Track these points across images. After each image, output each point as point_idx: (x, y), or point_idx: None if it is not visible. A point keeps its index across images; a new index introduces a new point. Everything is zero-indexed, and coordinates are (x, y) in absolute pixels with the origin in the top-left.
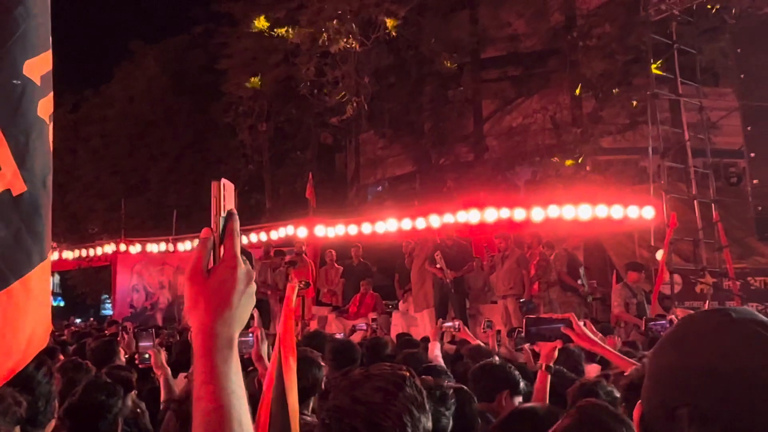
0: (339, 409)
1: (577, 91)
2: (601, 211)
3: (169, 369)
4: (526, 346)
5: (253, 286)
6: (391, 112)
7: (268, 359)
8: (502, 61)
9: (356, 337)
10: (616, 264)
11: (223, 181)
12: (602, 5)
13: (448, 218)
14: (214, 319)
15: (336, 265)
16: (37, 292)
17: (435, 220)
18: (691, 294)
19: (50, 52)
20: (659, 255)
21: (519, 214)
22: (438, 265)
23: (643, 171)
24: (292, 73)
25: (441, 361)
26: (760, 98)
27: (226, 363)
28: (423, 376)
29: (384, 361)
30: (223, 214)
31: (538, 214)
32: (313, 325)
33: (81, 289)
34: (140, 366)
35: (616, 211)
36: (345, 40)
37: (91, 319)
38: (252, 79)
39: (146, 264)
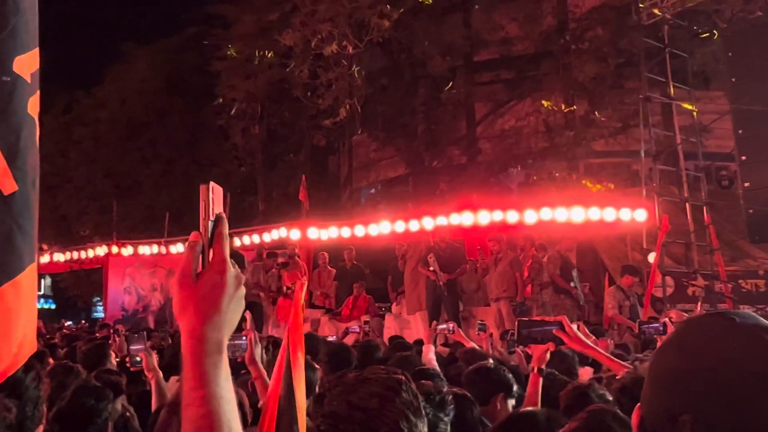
0: (335, 416)
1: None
2: (594, 213)
3: (160, 372)
4: (519, 348)
5: (243, 290)
6: (384, 115)
7: (261, 362)
8: (495, 64)
9: (349, 340)
10: (608, 266)
11: (212, 184)
12: (594, 9)
13: (442, 221)
14: (204, 323)
15: (329, 267)
16: (27, 295)
17: (428, 223)
18: (683, 296)
19: (38, 50)
20: (651, 257)
21: (512, 216)
22: (431, 268)
23: (635, 174)
24: (286, 76)
25: (435, 365)
26: (751, 101)
27: (215, 368)
28: (422, 381)
29: (376, 364)
30: (212, 218)
31: (530, 216)
32: (306, 328)
33: (72, 291)
34: (131, 369)
35: (609, 214)
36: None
37: (83, 321)
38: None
39: (138, 266)
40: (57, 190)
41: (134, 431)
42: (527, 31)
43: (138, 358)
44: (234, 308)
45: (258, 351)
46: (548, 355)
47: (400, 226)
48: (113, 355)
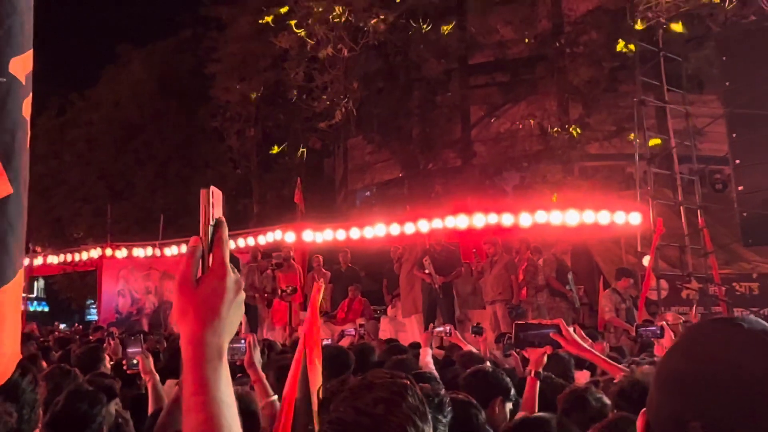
0: (342, 422)
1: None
2: (588, 216)
3: (157, 375)
4: (515, 351)
5: (242, 295)
6: (379, 118)
7: (260, 366)
8: (490, 68)
9: (344, 343)
10: (603, 269)
11: (212, 188)
12: (589, 12)
13: (437, 223)
14: (204, 328)
15: (323, 270)
16: (16, 299)
17: (423, 226)
18: (678, 299)
19: (32, 51)
20: (646, 261)
21: (507, 219)
22: (426, 270)
23: (629, 177)
24: (281, 78)
25: (432, 368)
26: (745, 105)
27: (215, 373)
28: (420, 384)
29: (372, 367)
30: (212, 223)
31: (525, 219)
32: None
33: (66, 294)
34: (128, 372)
35: (603, 217)
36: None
37: (76, 324)
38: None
39: (132, 269)
40: (51, 192)
41: None
42: (522, 35)
43: (135, 361)
44: (234, 313)
45: (257, 354)
46: (545, 359)
47: (395, 229)
48: (108, 358)
